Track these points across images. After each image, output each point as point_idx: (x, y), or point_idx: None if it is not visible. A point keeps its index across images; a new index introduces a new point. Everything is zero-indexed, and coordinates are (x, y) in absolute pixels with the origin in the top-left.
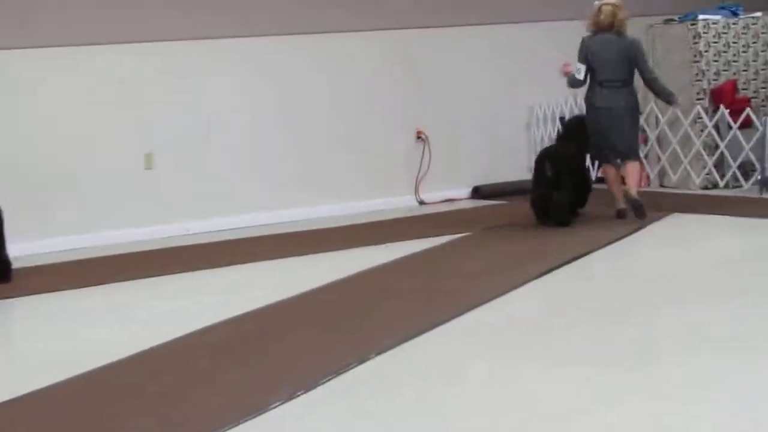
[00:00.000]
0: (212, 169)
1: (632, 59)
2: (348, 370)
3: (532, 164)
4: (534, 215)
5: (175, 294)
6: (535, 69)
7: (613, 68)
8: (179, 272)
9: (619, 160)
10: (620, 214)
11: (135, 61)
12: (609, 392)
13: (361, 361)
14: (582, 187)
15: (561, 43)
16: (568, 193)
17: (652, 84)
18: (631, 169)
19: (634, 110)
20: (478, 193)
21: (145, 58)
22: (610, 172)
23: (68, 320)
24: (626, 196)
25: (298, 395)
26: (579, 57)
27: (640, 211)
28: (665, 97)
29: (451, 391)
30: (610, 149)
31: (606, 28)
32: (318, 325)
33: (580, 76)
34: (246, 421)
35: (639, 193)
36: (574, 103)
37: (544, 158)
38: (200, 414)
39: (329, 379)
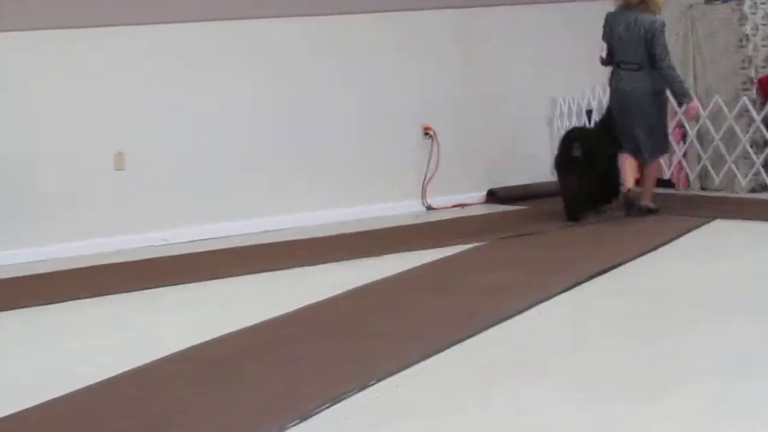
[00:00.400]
0: (194, 170)
1: (647, 42)
2: (348, 396)
3: (555, 164)
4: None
5: (154, 310)
6: (559, 55)
7: (629, 49)
8: (157, 287)
9: (645, 155)
10: (627, 199)
11: (103, 47)
12: (641, 421)
13: (362, 387)
14: (609, 178)
15: (589, 25)
16: (590, 181)
17: (664, 75)
18: (656, 167)
19: (658, 97)
20: (493, 197)
21: (115, 44)
22: (628, 157)
23: (31, 340)
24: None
25: (292, 425)
26: (602, 35)
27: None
28: (677, 94)
29: (463, 420)
30: (631, 141)
31: (634, 4)
32: (313, 347)
33: (603, 55)
34: None
35: (656, 197)
36: (602, 94)
37: (571, 139)
38: None
39: (326, 407)
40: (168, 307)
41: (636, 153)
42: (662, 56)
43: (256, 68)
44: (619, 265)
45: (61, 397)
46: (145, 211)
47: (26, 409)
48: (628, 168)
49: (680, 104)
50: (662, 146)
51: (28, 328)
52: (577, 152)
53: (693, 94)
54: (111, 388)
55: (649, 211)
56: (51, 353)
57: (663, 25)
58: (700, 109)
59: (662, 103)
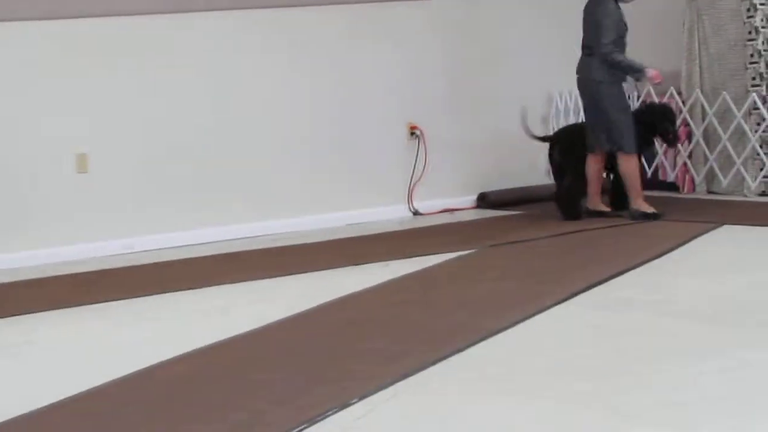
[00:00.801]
0: (162, 173)
1: (593, 25)
2: (325, 418)
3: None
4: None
5: (105, 325)
6: (556, 47)
7: (584, 33)
8: (119, 299)
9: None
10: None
11: (61, 38)
12: None
13: (343, 406)
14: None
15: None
16: (579, 178)
17: (609, 61)
18: (626, 166)
19: (603, 86)
20: (484, 201)
21: (74, 35)
22: (592, 164)
23: None
24: (630, 212)
25: None
26: None
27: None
28: (630, 73)
29: None
30: (591, 133)
31: None
32: (287, 364)
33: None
34: None
35: (649, 200)
36: None
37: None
38: None
39: (301, 430)
40: (121, 322)
41: (599, 146)
42: (604, 43)
43: (228, 63)
44: (617, 275)
45: None
46: (108, 218)
47: None
48: (592, 180)
49: (638, 80)
50: (622, 143)
51: None
52: (557, 157)
53: (643, 64)
54: (48, 417)
55: (645, 216)
56: None
57: (608, 8)
58: (706, 107)
59: (610, 94)
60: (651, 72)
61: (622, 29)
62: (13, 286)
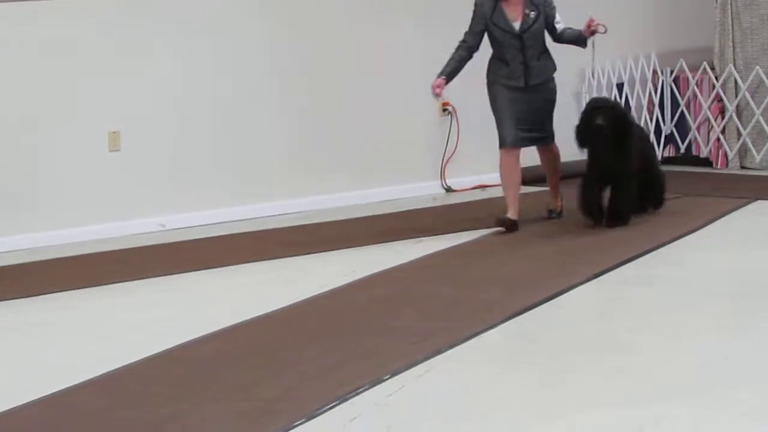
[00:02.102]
0: (195, 151)
1: None
2: (357, 394)
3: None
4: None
5: (138, 304)
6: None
7: None
8: (153, 276)
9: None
10: (503, 224)
11: (96, 15)
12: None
13: (375, 383)
14: (652, 174)
15: None
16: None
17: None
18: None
19: (489, 86)
20: None
21: (107, 13)
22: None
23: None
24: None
25: (296, 425)
26: None
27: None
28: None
29: (475, 428)
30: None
31: None
32: (319, 341)
33: None
34: None
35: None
36: (635, 67)
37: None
38: None
39: (333, 406)
40: (154, 300)
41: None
42: None
43: (262, 42)
44: (648, 252)
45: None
46: (141, 195)
47: None
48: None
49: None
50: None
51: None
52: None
53: (444, 72)
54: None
55: (501, 223)
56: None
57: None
58: (739, 81)
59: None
60: (433, 82)
61: (483, 24)
62: (47, 263)
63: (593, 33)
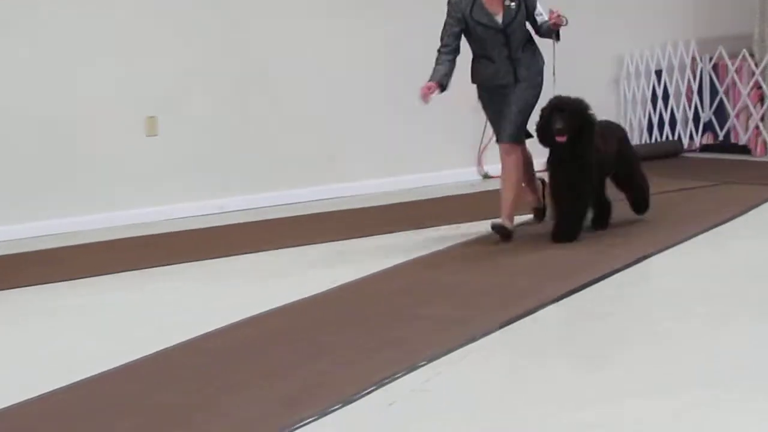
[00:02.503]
0: (231, 136)
1: None
2: (393, 380)
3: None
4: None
5: (186, 287)
6: (627, 7)
7: None
8: (190, 261)
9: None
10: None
11: (134, 2)
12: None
13: (410, 369)
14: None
15: None
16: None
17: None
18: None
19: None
20: None
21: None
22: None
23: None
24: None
25: (333, 410)
26: None
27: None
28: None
29: (508, 417)
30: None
31: None
32: (355, 327)
33: None
34: None
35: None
36: (673, 54)
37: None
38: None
39: (370, 392)
40: (192, 285)
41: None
42: None
43: (301, 25)
44: (686, 239)
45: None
46: (177, 180)
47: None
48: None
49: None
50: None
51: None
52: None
53: (434, 77)
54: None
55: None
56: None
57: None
58: (752, 64)
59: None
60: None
61: (461, 23)
62: (86, 247)
63: (557, 26)
